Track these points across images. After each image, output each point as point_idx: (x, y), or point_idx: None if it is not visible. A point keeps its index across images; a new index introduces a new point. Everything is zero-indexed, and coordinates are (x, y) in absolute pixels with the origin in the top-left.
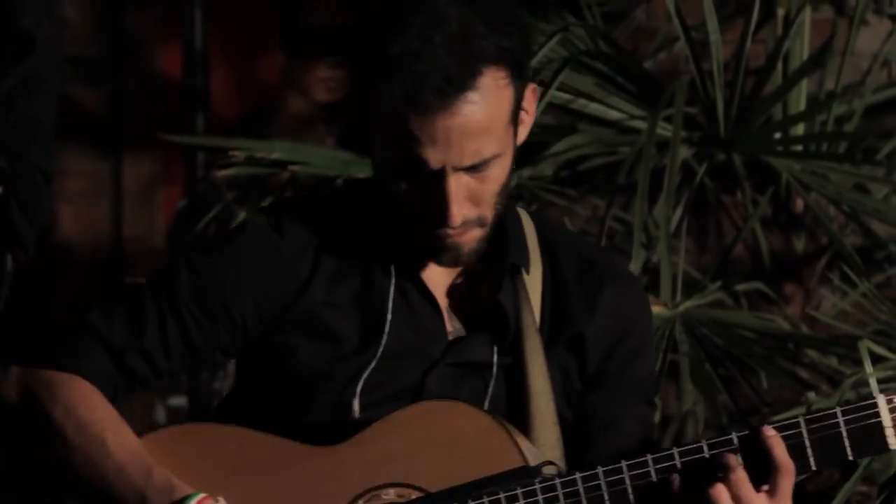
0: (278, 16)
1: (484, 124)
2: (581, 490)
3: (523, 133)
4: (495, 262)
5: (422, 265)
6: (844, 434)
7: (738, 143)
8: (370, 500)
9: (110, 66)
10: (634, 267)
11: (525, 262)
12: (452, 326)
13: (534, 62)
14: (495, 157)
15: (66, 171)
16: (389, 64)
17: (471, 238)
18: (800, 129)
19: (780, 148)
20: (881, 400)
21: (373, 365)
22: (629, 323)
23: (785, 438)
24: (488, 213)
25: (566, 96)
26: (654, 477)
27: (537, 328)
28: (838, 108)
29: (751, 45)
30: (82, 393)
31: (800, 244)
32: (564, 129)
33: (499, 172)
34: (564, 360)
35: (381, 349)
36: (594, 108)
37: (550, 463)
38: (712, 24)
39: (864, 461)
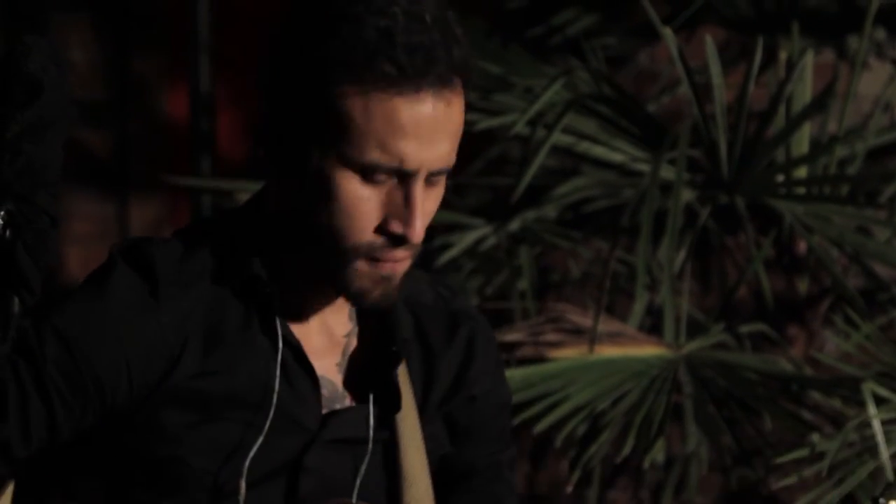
0: None
1: (452, 130)
2: None
3: None
4: (369, 323)
5: (301, 319)
6: None
7: (741, 186)
8: None
9: (116, 109)
10: (638, 309)
11: (405, 345)
12: (325, 399)
13: (538, 105)
14: (447, 172)
15: (72, 214)
16: (369, 36)
17: (402, 270)
18: (802, 172)
19: (783, 191)
20: None
21: (260, 440)
22: (500, 366)
23: None
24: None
25: (570, 139)
26: None
27: (415, 402)
28: (841, 151)
29: (753, 89)
30: None
31: (803, 286)
32: (568, 172)
33: (440, 192)
34: (438, 431)
35: (267, 424)
36: (598, 150)
37: None
38: (715, 67)
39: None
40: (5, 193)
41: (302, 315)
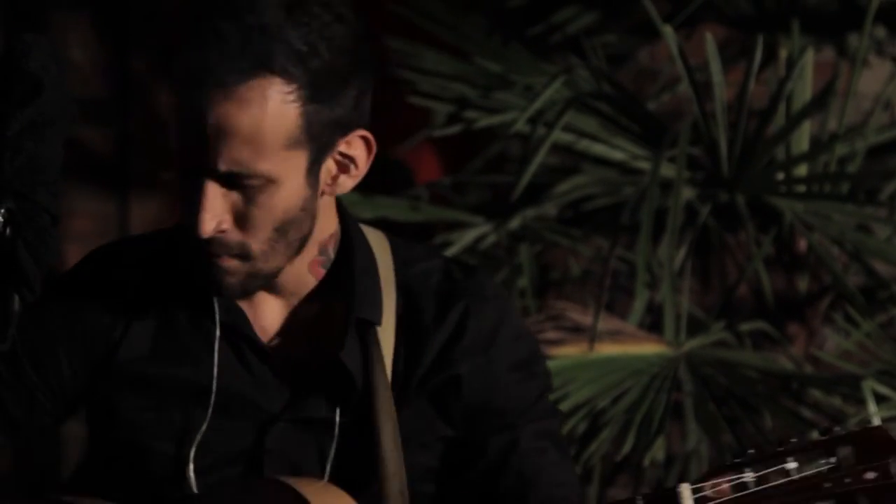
0: None
1: (245, 130)
2: None
3: (346, 183)
4: (341, 306)
5: (254, 310)
6: None
7: (741, 184)
8: None
9: (117, 107)
10: (638, 307)
11: (376, 315)
12: (288, 381)
13: (538, 103)
14: (264, 179)
15: (72, 212)
16: (179, 42)
17: (231, 268)
18: (803, 170)
19: (783, 188)
20: (685, 489)
21: (204, 427)
22: (503, 343)
23: None
24: (258, 247)
25: (570, 137)
26: None
27: (388, 384)
28: (841, 149)
29: (754, 87)
30: None
31: (803, 284)
32: (568, 170)
33: (272, 202)
34: (424, 411)
35: (210, 407)
36: (598, 148)
37: None
38: (715, 65)
39: None
40: (6, 191)
41: (257, 301)
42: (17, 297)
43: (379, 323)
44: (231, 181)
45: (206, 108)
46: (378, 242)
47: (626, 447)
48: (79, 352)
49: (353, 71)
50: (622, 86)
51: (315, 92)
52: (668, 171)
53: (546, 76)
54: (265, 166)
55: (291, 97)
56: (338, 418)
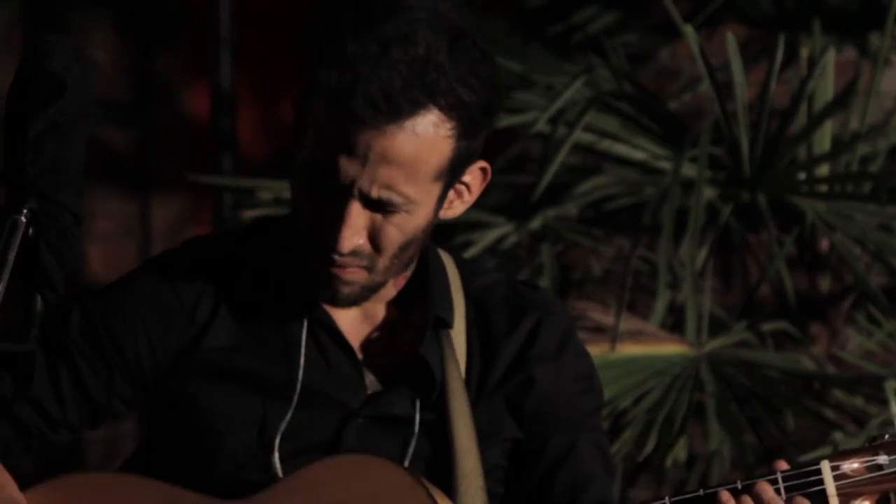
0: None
1: (406, 160)
2: None
3: (458, 207)
4: (416, 313)
5: (336, 312)
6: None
7: (762, 184)
8: None
9: (138, 108)
10: (660, 307)
11: (450, 317)
12: (369, 379)
13: (559, 103)
14: (408, 202)
15: (94, 212)
16: (338, 56)
17: (354, 278)
18: (824, 170)
19: (804, 188)
20: (825, 466)
21: (288, 417)
22: (570, 354)
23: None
24: (383, 263)
25: (591, 137)
26: None
27: (463, 384)
28: (863, 149)
29: (775, 86)
30: None
31: (825, 284)
32: (589, 170)
33: (407, 224)
34: (497, 411)
35: (295, 398)
36: (619, 148)
37: None
38: (736, 65)
39: None
40: (28, 191)
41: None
42: (39, 298)
43: (452, 325)
44: (376, 206)
45: (372, 134)
46: (445, 259)
47: (649, 447)
48: (157, 329)
49: (495, 108)
50: (643, 85)
51: (467, 129)
52: (689, 170)
53: (567, 76)
54: (412, 193)
55: (450, 132)
56: (417, 416)
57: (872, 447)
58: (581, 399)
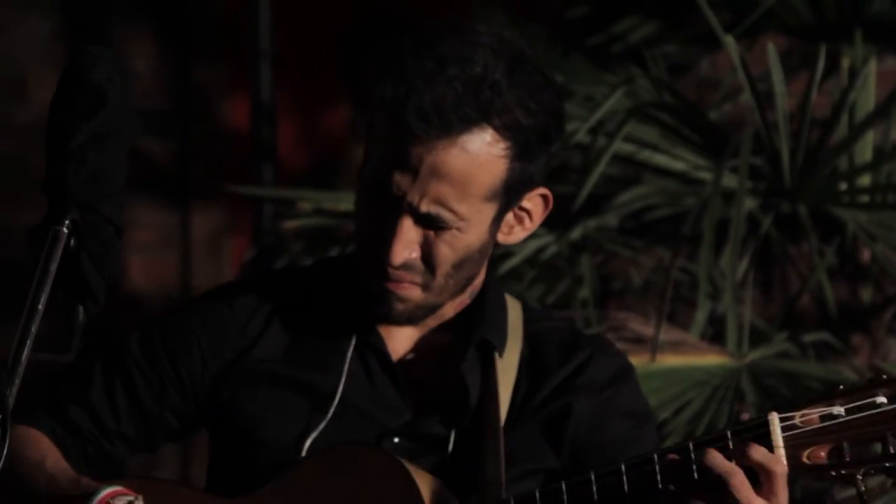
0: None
1: (457, 176)
2: None
3: (518, 234)
4: (469, 340)
5: (389, 335)
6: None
7: (803, 194)
8: None
9: (179, 119)
10: (700, 318)
11: (500, 343)
12: (410, 401)
13: (599, 114)
14: (459, 220)
15: (135, 223)
16: (397, 71)
17: (408, 295)
18: (866, 180)
19: (846, 199)
20: (773, 418)
21: (322, 426)
22: (621, 392)
23: (675, 462)
24: (437, 281)
25: (631, 147)
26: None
27: (498, 411)
28: None
29: (816, 97)
30: (28, 439)
31: (867, 295)
32: (629, 180)
33: (458, 242)
34: (535, 437)
35: (331, 411)
36: (659, 159)
37: None
38: (777, 75)
39: None
40: (70, 203)
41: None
42: (81, 309)
43: (501, 348)
44: (426, 222)
45: (424, 147)
46: (511, 300)
47: None
48: (211, 345)
49: (555, 135)
50: (683, 96)
51: (522, 151)
52: (729, 181)
53: (607, 86)
54: (464, 211)
55: (504, 152)
56: (452, 436)
57: (826, 396)
58: (627, 435)
